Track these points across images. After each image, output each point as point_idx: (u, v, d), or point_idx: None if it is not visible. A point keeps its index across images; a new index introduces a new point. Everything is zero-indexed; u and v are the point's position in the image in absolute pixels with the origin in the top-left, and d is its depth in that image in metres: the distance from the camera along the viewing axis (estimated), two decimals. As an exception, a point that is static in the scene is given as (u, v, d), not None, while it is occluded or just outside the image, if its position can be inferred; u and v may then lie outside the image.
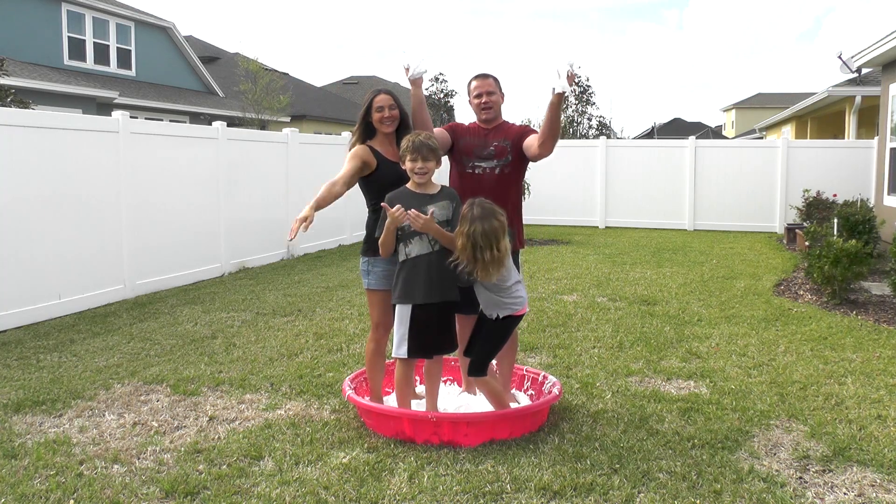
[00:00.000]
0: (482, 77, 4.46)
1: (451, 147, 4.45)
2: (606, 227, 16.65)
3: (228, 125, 10.40)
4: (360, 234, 4.27)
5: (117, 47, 20.60)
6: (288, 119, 23.53)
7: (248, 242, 10.50)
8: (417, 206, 3.92)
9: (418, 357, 4.15)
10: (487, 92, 4.39)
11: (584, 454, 3.82)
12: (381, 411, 4.18)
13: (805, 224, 13.04)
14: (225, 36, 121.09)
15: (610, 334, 6.48)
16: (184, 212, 9.26)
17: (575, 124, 27.00)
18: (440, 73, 30.21)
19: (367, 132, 4.36)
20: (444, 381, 4.77)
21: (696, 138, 17.67)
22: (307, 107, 27.87)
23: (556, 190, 16.72)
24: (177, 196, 9.14)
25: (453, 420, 4.01)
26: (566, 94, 4.01)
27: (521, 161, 4.39)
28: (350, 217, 12.64)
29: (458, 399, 4.59)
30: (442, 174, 4.32)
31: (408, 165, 4.03)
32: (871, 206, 12.53)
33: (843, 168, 15.16)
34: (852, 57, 13.29)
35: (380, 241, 4.04)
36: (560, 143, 18.92)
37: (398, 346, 4.07)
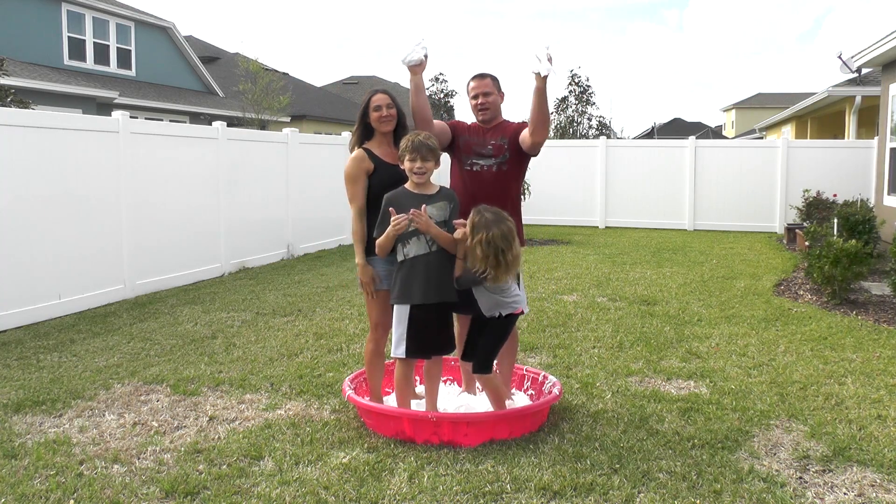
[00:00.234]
0: (479, 77, 4.46)
1: (451, 143, 4.45)
2: (606, 227, 16.64)
3: (228, 125, 10.40)
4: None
5: (117, 47, 20.60)
6: (288, 119, 23.53)
7: (248, 242, 10.50)
8: (416, 206, 3.96)
9: (416, 357, 4.15)
10: (484, 93, 4.40)
11: (584, 454, 3.82)
12: (381, 411, 4.18)
13: (805, 224, 13.04)
14: (225, 36, 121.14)
15: (610, 334, 6.48)
16: (184, 212, 9.26)
17: (575, 124, 26.98)
18: (440, 73, 30.23)
19: (365, 132, 4.36)
20: (444, 381, 4.77)
21: (696, 138, 17.66)
22: (307, 107, 27.87)
23: (556, 190, 16.72)
24: (177, 196, 9.13)
25: (453, 420, 4.01)
26: (548, 77, 4.00)
27: (519, 159, 4.39)
28: (350, 217, 12.60)
29: (458, 399, 4.59)
30: (443, 173, 4.33)
31: (406, 165, 4.03)
32: (871, 206, 12.52)
33: (843, 168, 15.16)
34: (852, 57, 13.29)
35: (378, 243, 4.05)
36: (560, 143, 18.92)
37: (396, 345, 4.09)
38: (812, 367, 5.44)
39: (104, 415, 4.48)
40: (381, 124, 4.30)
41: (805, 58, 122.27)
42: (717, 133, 47.25)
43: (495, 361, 4.32)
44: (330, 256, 11.71)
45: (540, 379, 4.73)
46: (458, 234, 3.97)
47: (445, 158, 4.47)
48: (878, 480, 3.59)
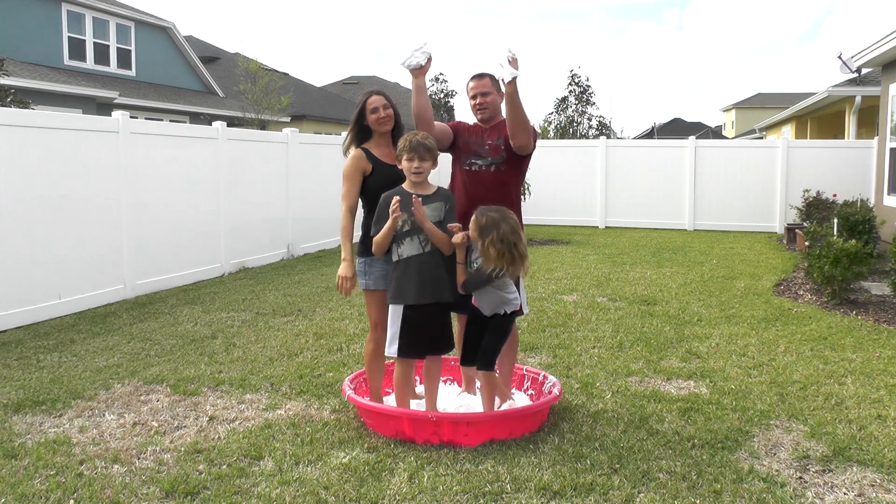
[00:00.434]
0: (478, 77, 4.46)
1: (452, 144, 4.46)
2: (606, 227, 16.64)
3: (228, 125, 10.40)
4: (358, 234, 4.28)
5: (117, 47, 20.60)
6: (288, 119, 23.53)
7: (248, 242, 10.50)
8: (413, 205, 3.97)
9: (409, 357, 4.16)
10: (482, 93, 4.40)
11: (584, 454, 3.82)
12: (381, 411, 4.18)
13: (805, 224, 13.04)
14: (225, 36, 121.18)
15: (610, 334, 6.48)
16: (184, 212, 9.26)
17: (575, 124, 27.00)
18: (440, 73, 30.24)
19: (361, 134, 4.37)
20: (444, 382, 4.77)
21: (696, 138, 17.66)
22: (307, 107, 27.88)
23: (556, 190, 16.73)
24: (177, 196, 9.13)
25: (453, 420, 4.01)
26: (516, 80, 4.00)
27: (517, 159, 4.39)
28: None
29: (458, 399, 4.59)
30: (444, 174, 4.33)
31: (404, 165, 4.05)
32: (871, 206, 12.52)
33: (843, 168, 15.16)
34: (852, 57, 13.29)
35: (375, 239, 4.06)
36: (560, 143, 18.95)
37: (389, 344, 4.14)
38: (812, 367, 5.44)
39: (104, 415, 4.48)
40: (380, 125, 4.31)
41: (805, 58, 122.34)
42: (717, 133, 47.26)
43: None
44: (330, 256, 11.71)
45: (540, 379, 4.73)
46: (456, 238, 3.97)
47: (444, 159, 4.47)
48: (878, 480, 3.59)
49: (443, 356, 4.32)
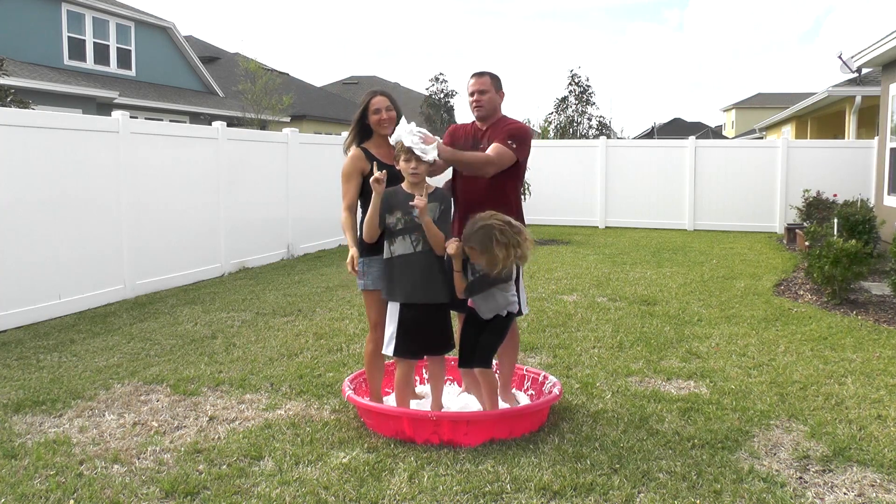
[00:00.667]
0: (477, 75, 4.47)
1: None
2: (606, 227, 16.64)
3: (228, 125, 10.40)
4: (357, 234, 4.27)
5: (117, 47, 20.60)
6: (288, 119, 23.53)
7: (248, 242, 10.50)
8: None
9: (405, 357, 4.16)
10: (480, 91, 4.41)
11: (584, 454, 3.82)
12: (381, 411, 4.18)
13: (805, 224, 13.03)
14: (225, 36, 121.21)
15: (610, 334, 6.48)
16: (184, 212, 9.26)
17: (575, 124, 26.97)
18: (440, 73, 30.24)
19: (362, 133, 4.37)
20: (445, 381, 4.76)
21: (696, 138, 17.67)
22: (307, 107, 27.87)
23: (556, 190, 16.72)
24: (177, 196, 9.13)
25: (453, 420, 4.01)
26: (435, 155, 4.00)
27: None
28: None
29: (459, 399, 4.59)
30: (444, 175, 4.32)
31: (402, 165, 4.05)
32: (871, 206, 12.52)
33: (843, 168, 15.15)
34: (852, 57, 13.28)
35: (365, 220, 4.07)
36: (560, 143, 19.02)
37: (387, 343, 4.15)
38: (812, 367, 5.44)
39: (104, 415, 4.48)
40: (381, 127, 4.31)
41: (805, 58, 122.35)
42: (717, 133, 47.22)
43: (495, 361, 4.33)
44: (330, 256, 11.71)
45: (540, 379, 4.73)
46: (450, 249, 3.96)
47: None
48: (878, 480, 3.59)
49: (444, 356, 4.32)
